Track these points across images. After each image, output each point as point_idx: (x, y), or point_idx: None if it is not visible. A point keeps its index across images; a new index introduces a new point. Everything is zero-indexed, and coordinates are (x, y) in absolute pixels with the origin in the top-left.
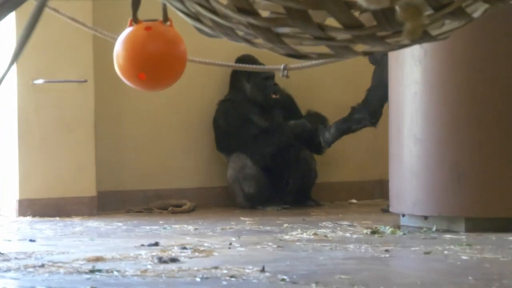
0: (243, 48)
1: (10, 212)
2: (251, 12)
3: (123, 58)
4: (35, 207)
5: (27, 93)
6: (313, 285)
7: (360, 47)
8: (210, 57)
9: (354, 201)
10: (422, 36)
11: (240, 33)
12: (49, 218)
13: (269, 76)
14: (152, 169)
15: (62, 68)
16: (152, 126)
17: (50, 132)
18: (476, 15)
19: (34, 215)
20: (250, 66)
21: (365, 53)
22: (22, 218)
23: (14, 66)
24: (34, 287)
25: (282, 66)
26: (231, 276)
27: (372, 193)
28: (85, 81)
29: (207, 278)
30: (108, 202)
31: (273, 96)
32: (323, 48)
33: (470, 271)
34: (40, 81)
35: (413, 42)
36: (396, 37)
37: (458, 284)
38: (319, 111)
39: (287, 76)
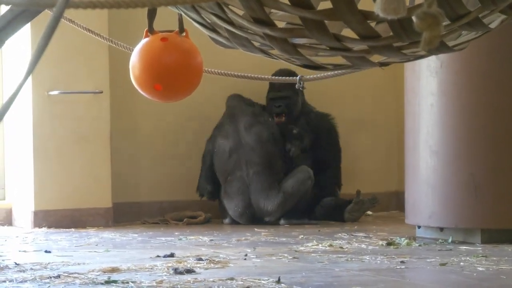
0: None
1: (26, 223)
2: (267, 22)
3: (139, 69)
4: (50, 218)
5: (42, 104)
6: None
7: (376, 58)
8: (227, 69)
9: (369, 213)
10: (439, 47)
11: (256, 44)
12: (64, 229)
13: (275, 97)
14: (168, 180)
15: (77, 79)
16: (168, 138)
17: (66, 143)
18: (493, 26)
19: (49, 226)
20: (266, 77)
21: (381, 64)
22: (37, 229)
23: (30, 77)
24: None
25: (298, 77)
26: (247, 287)
27: (388, 205)
28: (101, 92)
29: None
30: (124, 214)
31: (276, 119)
32: (339, 59)
33: (486, 283)
34: (55, 92)
35: (430, 52)
36: (413, 48)
37: None
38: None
39: (303, 88)
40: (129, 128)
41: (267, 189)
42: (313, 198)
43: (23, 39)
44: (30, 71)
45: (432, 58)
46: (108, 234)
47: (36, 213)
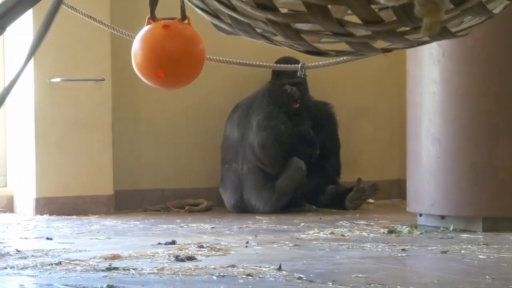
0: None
1: (27, 211)
2: (270, 8)
3: (140, 56)
4: (52, 205)
5: (44, 92)
6: (330, 284)
7: (379, 44)
8: (228, 57)
9: (371, 201)
10: (441, 33)
11: (259, 30)
12: (66, 217)
13: (290, 83)
14: (169, 168)
15: (79, 66)
16: (170, 125)
17: (67, 130)
18: (496, 11)
19: (51, 214)
20: (269, 64)
21: (384, 50)
22: (39, 217)
23: (32, 65)
24: (51, 285)
25: (299, 65)
26: (248, 275)
27: (389, 193)
28: (103, 79)
29: (223, 276)
30: (125, 201)
31: (296, 105)
32: (342, 46)
33: (487, 271)
34: (57, 79)
35: (433, 38)
36: (416, 33)
37: (475, 283)
38: (336, 112)
39: (304, 75)
40: (130, 115)
41: (260, 188)
42: (315, 187)
43: (25, 25)
44: (30, 56)
45: (434, 46)
46: (109, 222)
47: (37, 200)
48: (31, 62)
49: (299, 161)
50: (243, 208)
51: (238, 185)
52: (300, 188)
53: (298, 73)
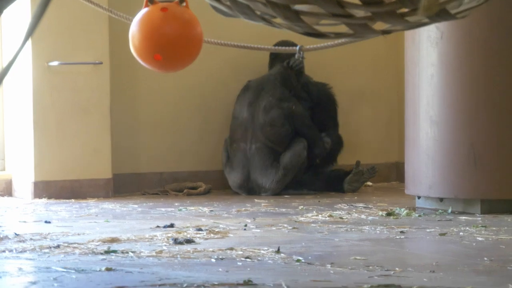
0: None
1: (26, 194)
2: None
3: (138, 39)
4: (50, 189)
5: (42, 75)
6: (328, 266)
7: (379, 26)
8: (226, 40)
9: (369, 183)
10: (440, 14)
11: (258, 12)
12: (64, 200)
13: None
14: (168, 151)
15: (77, 50)
16: (168, 109)
17: (66, 114)
18: None
19: (49, 197)
20: (268, 47)
21: (384, 32)
22: (37, 200)
23: (30, 48)
24: (50, 268)
25: (297, 47)
26: (246, 257)
27: (388, 176)
28: (101, 63)
29: (222, 259)
30: (124, 185)
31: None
32: (341, 28)
33: (485, 253)
34: (55, 63)
35: (432, 19)
36: (416, 15)
37: (474, 265)
38: (335, 94)
39: (303, 57)
40: (129, 99)
41: (268, 166)
42: (315, 168)
43: (22, 6)
44: (27, 37)
45: (433, 29)
46: (108, 205)
47: (36, 184)
48: (29, 45)
49: (301, 138)
50: (249, 188)
51: (246, 164)
52: (303, 164)
53: (296, 55)
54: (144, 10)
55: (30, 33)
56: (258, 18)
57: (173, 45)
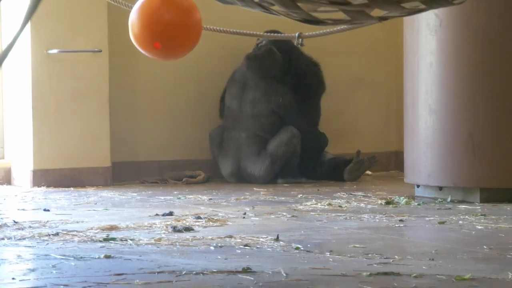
0: (260, 19)
1: (25, 182)
2: None
3: (138, 27)
4: (49, 177)
5: (41, 63)
6: (328, 253)
7: (376, 13)
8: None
9: (369, 172)
10: (438, 0)
11: None
12: (63, 188)
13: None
14: (167, 140)
15: (76, 37)
16: (167, 97)
17: (65, 102)
18: None
19: (48, 185)
20: (266, 34)
21: (381, 18)
22: (36, 188)
23: (29, 36)
24: (48, 255)
25: (296, 34)
26: (245, 245)
27: (387, 165)
28: (100, 51)
29: (221, 246)
30: (123, 173)
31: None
32: (339, 15)
33: (484, 241)
34: (54, 51)
35: (429, 6)
36: (412, 1)
37: (473, 253)
38: (333, 83)
39: (301, 44)
40: (128, 87)
41: (256, 154)
42: (312, 155)
43: None
44: (27, 20)
45: (431, 17)
46: (107, 193)
47: (35, 172)
48: (28, 33)
49: (291, 127)
50: (240, 176)
51: (236, 153)
52: (295, 152)
53: (295, 42)
54: None
55: (30, 15)
56: (256, 5)
57: (172, 32)
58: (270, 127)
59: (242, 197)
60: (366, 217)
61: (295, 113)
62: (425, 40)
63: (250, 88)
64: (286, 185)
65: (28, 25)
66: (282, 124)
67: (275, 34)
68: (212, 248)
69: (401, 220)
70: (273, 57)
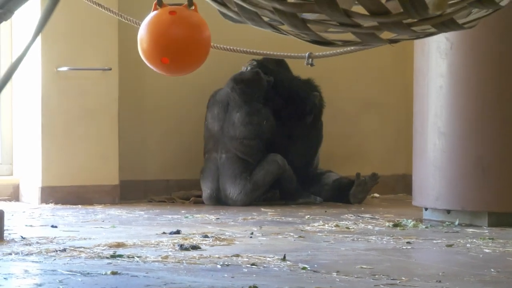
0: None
1: (33, 199)
2: None
3: (146, 42)
4: (57, 194)
5: (51, 81)
6: (334, 274)
7: (386, 35)
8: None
9: (376, 195)
10: (448, 24)
11: (266, 19)
12: (71, 206)
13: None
14: (175, 159)
15: (86, 55)
16: (176, 116)
17: (74, 119)
18: (503, 3)
19: (56, 202)
20: (276, 53)
21: (391, 41)
22: (44, 205)
23: (39, 53)
24: (55, 271)
25: (306, 54)
26: (252, 264)
27: (395, 188)
28: (110, 69)
29: (228, 265)
30: (130, 191)
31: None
32: (349, 36)
33: (492, 264)
34: (64, 68)
35: (440, 29)
36: (422, 25)
37: (480, 276)
38: (342, 105)
39: (311, 65)
40: (137, 105)
41: (237, 177)
42: (313, 177)
43: (33, 9)
44: (37, 33)
45: (442, 40)
46: (114, 211)
47: (43, 189)
48: (38, 51)
49: (276, 155)
50: (218, 199)
51: (215, 174)
52: (285, 182)
53: (305, 62)
54: (153, 13)
55: (40, 28)
56: (266, 25)
57: (180, 48)
58: (252, 150)
59: (250, 217)
60: (374, 239)
61: (279, 137)
62: (435, 63)
63: (233, 110)
64: (293, 206)
65: (39, 43)
66: (265, 147)
67: (284, 54)
68: (219, 266)
69: (408, 242)
70: (260, 82)
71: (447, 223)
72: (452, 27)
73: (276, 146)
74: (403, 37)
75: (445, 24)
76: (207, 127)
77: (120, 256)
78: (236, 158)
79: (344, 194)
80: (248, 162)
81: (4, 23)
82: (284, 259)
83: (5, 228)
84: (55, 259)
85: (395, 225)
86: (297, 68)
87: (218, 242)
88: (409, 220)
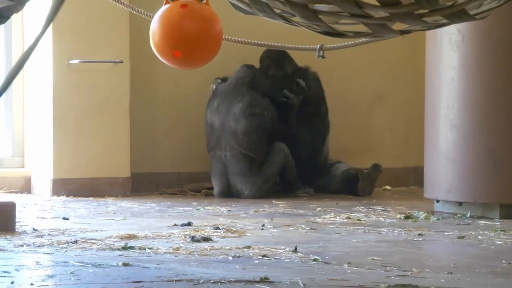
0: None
1: (44, 192)
2: None
3: (158, 36)
4: (69, 187)
5: (62, 73)
6: (346, 265)
7: (397, 26)
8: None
9: (388, 187)
10: (460, 15)
11: (277, 10)
12: (82, 198)
13: (276, 76)
14: (186, 151)
15: (98, 48)
16: (187, 109)
17: (85, 112)
18: None
19: (68, 195)
20: (287, 46)
21: (402, 32)
22: (56, 197)
23: (50, 46)
24: (67, 262)
25: (318, 46)
26: (263, 256)
27: (406, 180)
28: (121, 62)
29: (239, 257)
30: (142, 184)
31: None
32: (360, 28)
33: (503, 255)
34: (75, 61)
35: (451, 20)
36: (434, 16)
37: (492, 267)
38: (354, 98)
39: (322, 57)
40: (148, 98)
41: (246, 174)
42: (323, 168)
43: (44, 0)
44: (48, 23)
45: (454, 32)
46: (126, 203)
47: (55, 182)
48: (50, 44)
49: (280, 143)
50: (230, 194)
51: (223, 171)
52: (288, 172)
53: (316, 54)
54: (164, 7)
55: (51, 19)
56: (277, 16)
57: (192, 41)
58: (257, 145)
59: (261, 209)
60: (385, 230)
61: (282, 129)
62: (447, 55)
63: (235, 100)
64: (304, 198)
65: (50, 36)
66: (267, 139)
67: (296, 46)
68: (230, 258)
69: (420, 234)
70: (263, 79)
71: (458, 215)
72: (464, 18)
73: (282, 138)
74: (415, 28)
75: (456, 15)
76: (207, 123)
77: (132, 247)
78: (241, 156)
79: (353, 185)
80: (253, 158)
81: (15, 14)
82: (295, 250)
83: (16, 220)
84: (66, 251)
85: (407, 217)
86: (308, 61)
87: (229, 234)
88: (421, 212)
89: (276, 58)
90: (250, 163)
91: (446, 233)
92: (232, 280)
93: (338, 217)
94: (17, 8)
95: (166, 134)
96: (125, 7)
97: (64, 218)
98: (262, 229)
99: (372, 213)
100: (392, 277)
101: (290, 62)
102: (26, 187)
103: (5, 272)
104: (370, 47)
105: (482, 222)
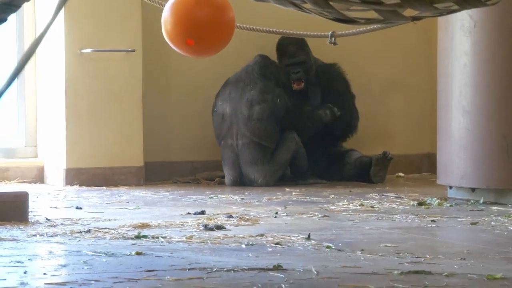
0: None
1: (57, 181)
2: None
3: (171, 24)
4: (82, 176)
5: (75, 63)
6: (359, 252)
7: (409, 13)
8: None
9: (401, 174)
10: (471, 1)
11: None
12: (96, 187)
13: (292, 64)
14: (200, 140)
15: (110, 37)
16: (200, 97)
17: (98, 101)
18: None
19: (81, 184)
20: (299, 33)
21: (414, 18)
22: (69, 187)
23: (63, 35)
24: (80, 251)
25: (329, 33)
26: (277, 243)
27: (420, 167)
28: (133, 50)
29: (252, 245)
30: (155, 173)
31: (295, 86)
32: (371, 14)
33: None
34: (88, 50)
35: (462, 6)
36: (445, 2)
37: (505, 253)
38: (367, 85)
39: (334, 43)
40: (161, 87)
41: (258, 162)
42: (336, 156)
43: None
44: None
45: (466, 18)
46: (139, 192)
47: (68, 171)
48: (62, 33)
49: (291, 132)
50: (242, 183)
51: (235, 160)
52: (298, 159)
53: (328, 41)
54: None
55: (62, 3)
56: (288, 3)
57: (205, 30)
58: (269, 132)
59: (274, 197)
60: (398, 217)
61: (293, 115)
62: (459, 41)
63: (247, 87)
64: (319, 186)
65: (62, 25)
66: (283, 128)
67: (306, 33)
68: (243, 246)
69: (433, 221)
70: (277, 68)
71: (471, 201)
72: (475, 4)
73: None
74: (426, 15)
75: (467, 1)
76: (217, 113)
77: (145, 236)
78: (253, 144)
79: (366, 172)
80: (265, 146)
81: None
82: (308, 238)
83: (30, 209)
84: (79, 240)
85: (420, 204)
86: (321, 47)
87: (242, 222)
88: (434, 199)
89: (297, 42)
90: (263, 151)
91: (459, 220)
92: (245, 268)
93: (351, 204)
94: None
95: (179, 123)
96: None
97: (77, 208)
98: (275, 217)
99: (385, 200)
100: (405, 263)
101: (308, 50)
102: (39, 177)
103: (18, 262)
104: (382, 33)
105: (495, 208)
